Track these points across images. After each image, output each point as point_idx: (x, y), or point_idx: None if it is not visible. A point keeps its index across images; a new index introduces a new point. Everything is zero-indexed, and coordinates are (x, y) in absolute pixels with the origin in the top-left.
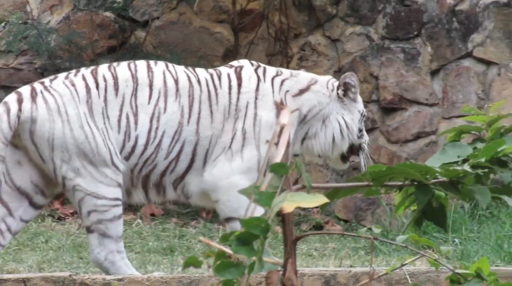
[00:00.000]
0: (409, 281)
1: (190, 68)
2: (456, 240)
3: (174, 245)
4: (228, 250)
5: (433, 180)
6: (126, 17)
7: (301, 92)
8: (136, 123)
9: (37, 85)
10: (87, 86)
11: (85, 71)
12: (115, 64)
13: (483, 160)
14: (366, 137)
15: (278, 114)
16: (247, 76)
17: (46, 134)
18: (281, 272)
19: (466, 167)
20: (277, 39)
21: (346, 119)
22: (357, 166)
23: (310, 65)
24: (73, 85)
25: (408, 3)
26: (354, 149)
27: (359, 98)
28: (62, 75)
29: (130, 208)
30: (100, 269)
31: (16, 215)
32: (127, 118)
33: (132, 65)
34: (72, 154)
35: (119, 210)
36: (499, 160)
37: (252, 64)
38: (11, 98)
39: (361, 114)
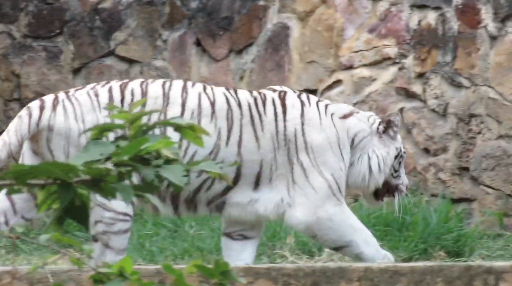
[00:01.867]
0: (51, 280)
1: (231, 90)
2: None
3: None
4: None
5: (76, 179)
6: None
7: (345, 116)
8: None
9: (61, 94)
10: (111, 97)
11: (114, 84)
12: (149, 80)
13: (126, 158)
14: (405, 180)
15: None
16: (291, 103)
17: (61, 142)
18: None
19: (109, 165)
20: None
21: (383, 153)
22: None
23: None
24: (96, 95)
25: (51, 2)
26: (390, 188)
27: (399, 138)
28: (89, 86)
29: None
30: None
31: (19, 212)
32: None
33: (166, 84)
34: None
35: (127, 225)
36: (142, 158)
37: (294, 91)
38: (35, 104)
39: (398, 152)
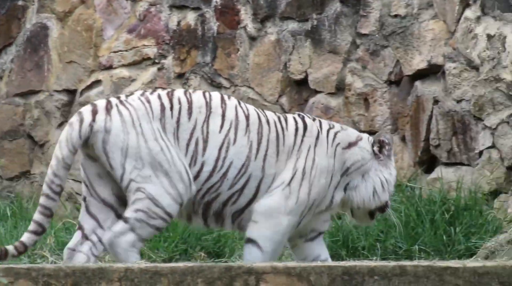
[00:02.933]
0: None
1: (259, 109)
2: None
3: None
4: None
5: None
6: None
7: (350, 145)
8: (204, 149)
9: (113, 99)
10: (162, 105)
11: (161, 92)
12: (190, 90)
13: None
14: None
15: None
16: (310, 123)
17: (119, 143)
18: None
19: None
20: None
21: (385, 175)
22: None
23: None
24: (148, 102)
25: None
26: (384, 206)
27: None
28: (138, 92)
29: None
30: (110, 252)
31: (105, 226)
32: (196, 143)
33: (207, 94)
34: (146, 163)
35: (164, 224)
36: None
37: (309, 116)
38: (86, 109)
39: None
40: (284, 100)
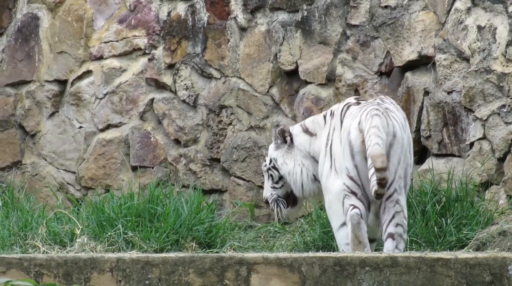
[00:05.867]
0: None
1: None
2: None
3: None
4: None
5: None
6: None
7: None
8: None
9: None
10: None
11: (385, 98)
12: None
13: None
14: None
15: None
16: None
17: (398, 150)
18: None
19: None
20: None
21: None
22: None
23: None
24: (387, 109)
25: None
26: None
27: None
28: (377, 98)
29: None
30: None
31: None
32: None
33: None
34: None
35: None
36: None
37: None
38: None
39: None
40: (274, 91)
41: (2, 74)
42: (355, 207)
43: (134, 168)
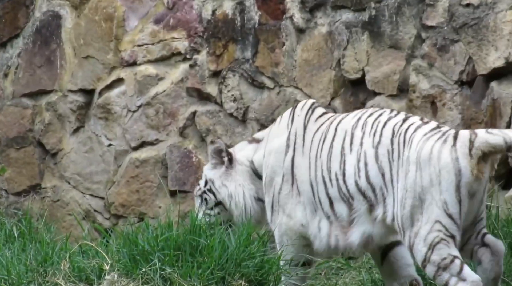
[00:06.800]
0: None
1: None
2: None
3: None
4: None
5: None
6: None
7: None
8: None
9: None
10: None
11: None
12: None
13: None
14: None
15: None
16: None
17: None
18: None
19: None
20: None
21: None
22: None
23: None
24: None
25: None
26: None
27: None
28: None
29: None
30: None
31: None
32: None
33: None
34: None
35: None
36: None
37: None
38: None
39: None
40: (337, 103)
41: (18, 82)
42: (458, 259)
43: (173, 193)
